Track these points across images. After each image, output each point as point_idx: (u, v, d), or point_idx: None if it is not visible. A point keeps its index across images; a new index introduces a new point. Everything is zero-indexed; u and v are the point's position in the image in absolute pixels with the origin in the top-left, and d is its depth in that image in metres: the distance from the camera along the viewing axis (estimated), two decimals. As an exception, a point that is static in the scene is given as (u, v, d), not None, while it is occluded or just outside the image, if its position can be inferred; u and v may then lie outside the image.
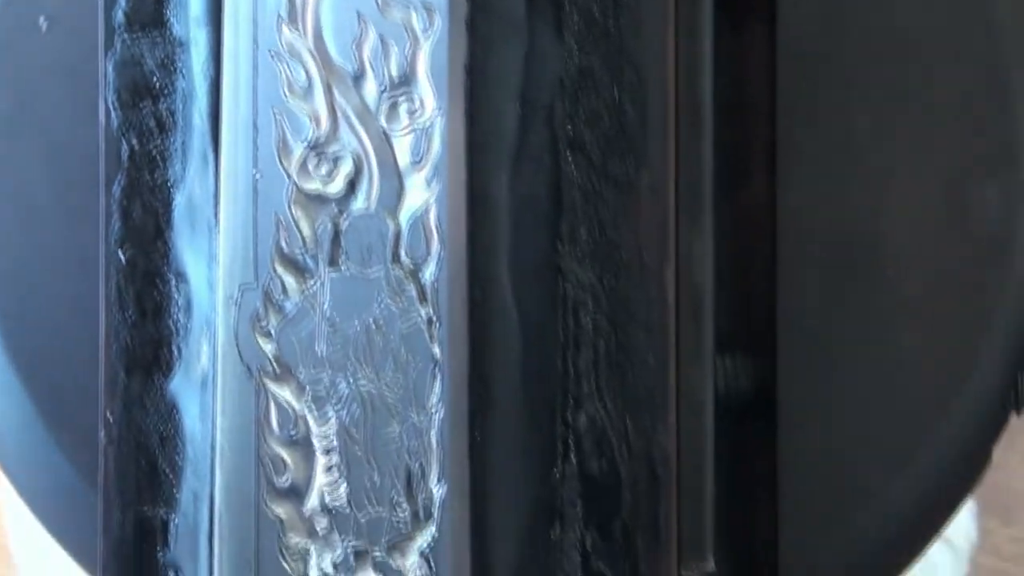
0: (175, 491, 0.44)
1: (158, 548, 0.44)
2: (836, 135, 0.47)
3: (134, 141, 0.45)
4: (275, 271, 0.41)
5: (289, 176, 0.42)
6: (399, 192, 0.41)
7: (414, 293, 0.41)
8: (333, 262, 0.41)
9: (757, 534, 0.47)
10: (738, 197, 0.47)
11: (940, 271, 0.47)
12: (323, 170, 0.42)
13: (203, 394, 0.43)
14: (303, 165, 0.42)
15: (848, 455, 0.47)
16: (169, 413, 0.44)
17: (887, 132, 0.46)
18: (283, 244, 0.42)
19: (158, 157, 0.45)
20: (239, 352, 0.42)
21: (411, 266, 0.41)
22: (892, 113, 0.46)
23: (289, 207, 0.42)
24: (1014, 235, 0.46)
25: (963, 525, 0.58)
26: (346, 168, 0.42)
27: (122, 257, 0.44)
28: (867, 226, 0.47)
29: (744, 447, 0.47)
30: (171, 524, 0.44)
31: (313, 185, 0.42)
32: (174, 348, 0.45)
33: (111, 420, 0.44)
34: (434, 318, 0.40)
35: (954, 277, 0.46)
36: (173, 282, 0.45)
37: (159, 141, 0.45)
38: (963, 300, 0.46)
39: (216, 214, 0.43)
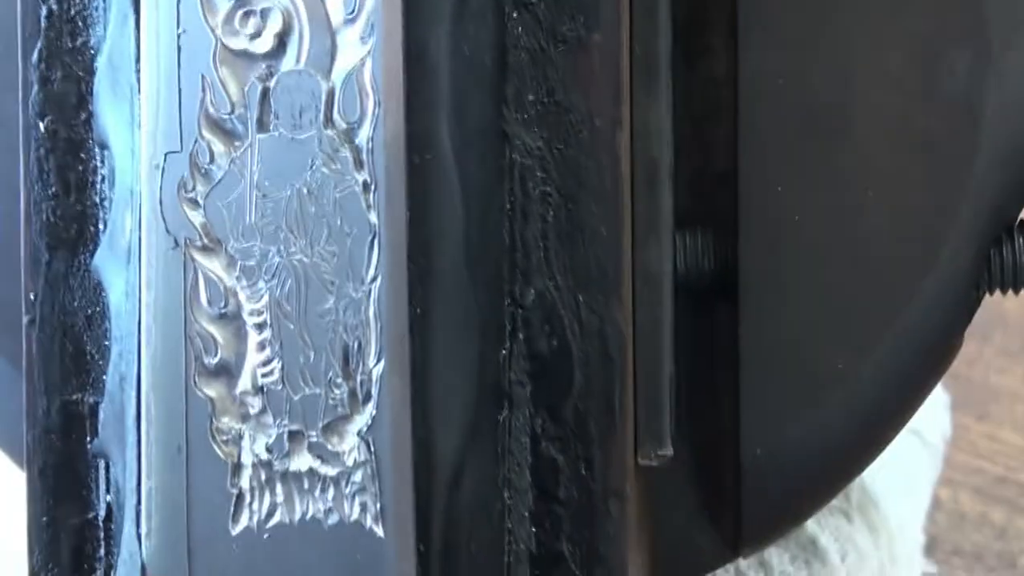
0: (102, 375, 0.42)
1: (87, 436, 0.42)
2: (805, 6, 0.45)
3: (53, 3, 0.42)
4: (201, 135, 0.39)
5: (214, 33, 0.40)
6: (332, 49, 0.39)
7: (349, 156, 0.39)
8: (262, 125, 0.39)
9: (718, 420, 0.45)
10: (699, 67, 0.45)
11: (909, 142, 0.45)
12: (250, 26, 0.40)
13: (128, 268, 0.41)
14: (229, 21, 0.39)
15: (813, 337, 0.45)
16: (95, 292, 0.42)
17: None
18: (209, 106, 0.40)
19: (79, 19, 0.42)
20: (164, 222, 0.40)
21: (345, 127, 0.39)
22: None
23: (215, 66, 0.40)
24: (983, 103, 0.44)
25: (938, 421, 0.56)
26: (275, 24, 0.40)
27: (42, 128, 0.42)
28: (834, 93, 0.45)
29: (705, 329, 0.45)
30: (99, 410, 0.42)
31: (240, 42, 0.40)
32: (99, 222, 0.43)
33: (34, 301, 0.42)
34: (370, 183, 0.38)
35: (923, 148, 0.44)
36: (97, 153, 0.43)
37: (80, 2, 0.42)
38: (932, 172, 0.44)
39: (138, 76, 0.40)
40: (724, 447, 0.46)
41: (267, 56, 0.39)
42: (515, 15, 0.41)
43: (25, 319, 0.43)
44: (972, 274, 0.46)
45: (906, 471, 0.60)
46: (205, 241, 0.39)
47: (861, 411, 0.46)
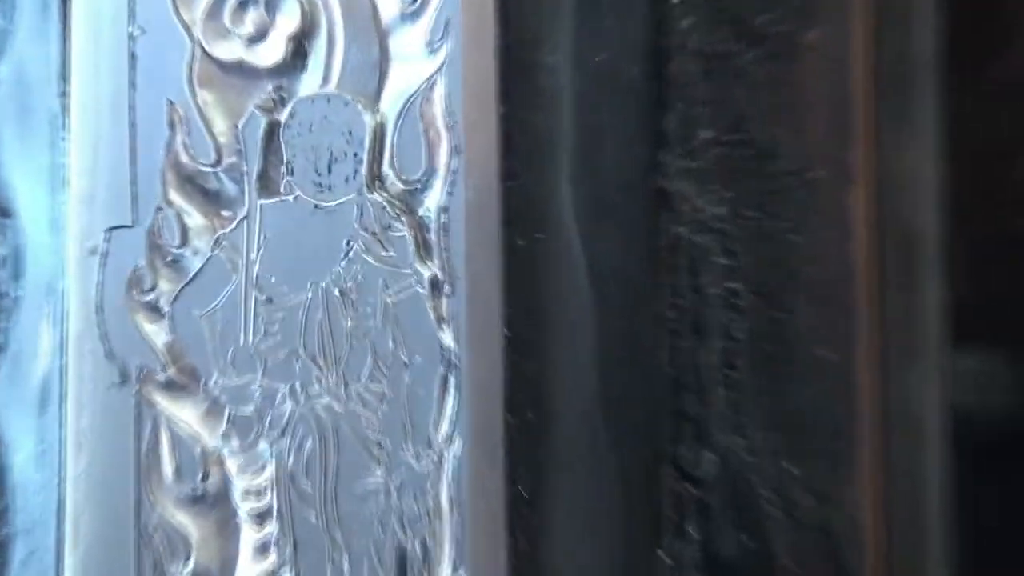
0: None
1: None
2: None
3: None
4: (168, 199, 0.39)
5: (192, 33, 0.41)
6: (381, 60, 0.40)
7: (408, 236, 0.39)
8: (268, 183, 0.40)
9: None
10: (987, 71, 0.46)
11: None
12: (251, 23, 0.40)
13: (43, 416, 0.42)
14: (216, 14, 0.40)
15: None
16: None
17: None
18: (182, 152, 0.40)
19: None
20: (106, 342, 0.40)
21: (401, 189, 0.39)
22: None
23: (191, 86, 0.40)
24: None
25: None
26: (290, 19, 0.40)
27: None
28: None
29: (998, 498, 0.45)
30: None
31: (233, 49, 0.40)
32: (-8, 336, 0.43)
33: None
34: (443, 279, 0.38)
35: None
36: None
37: None
38: None
39: (64, 102, 0.41)
40: None
41: (277, 71, 0.40)
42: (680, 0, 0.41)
43: None
44: None
45: None
46: (173, 374, 0.40)
47: None
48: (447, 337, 0.36)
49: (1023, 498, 0.45)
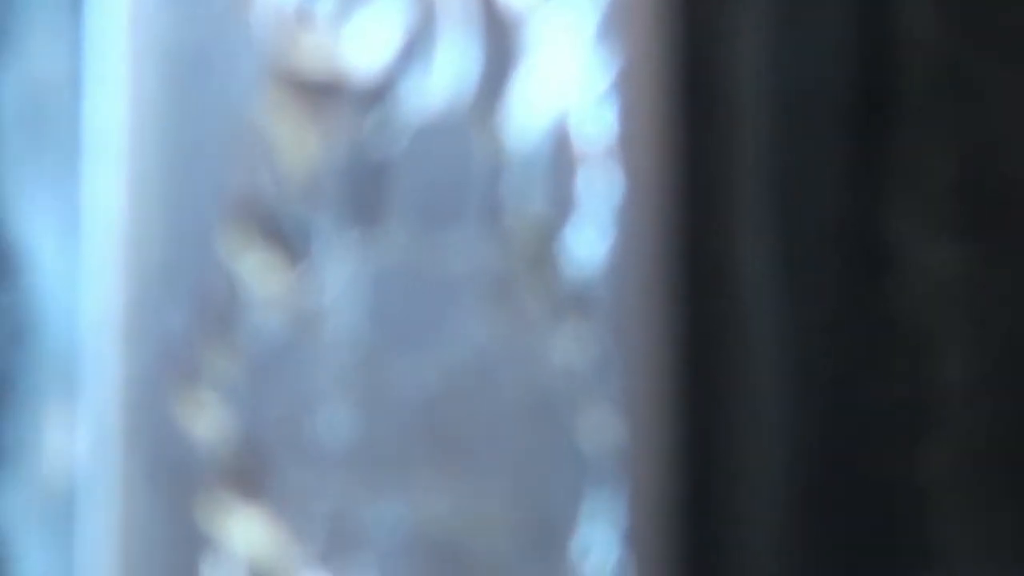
0: None
1: None
2: None
3: None
4: (232, 244, 0.41)
5: (262, 37, 0.42)
6: (509, 62, 0.41)
7: (546, 294, 0.40)
8: (365, 224, 0.41)
9: None
10: None
11: None
12: (334, 18, 0.42)
13: (55, 533, 0.43)
14: (299, 19, 0.41)
15: None
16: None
17: None
18: (245, 187, 0.41)
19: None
20: (147, 434, 0.41)
21: (536, 236, 0.40)
22: None
23: (262, 104, 0.41)
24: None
25: None
26: (393, 16, 0.41)
27: None
28: None
29: None
30: None
31: (311, 56, 0.42)
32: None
33: None
34: (592, 357, 0.40)
35: None
36: None
37: None
38: None
39: (85, 120, 0.42)
40: None
41: (375, 85, 0.41)
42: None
43: None
44: None
45: None
46: (238, 477, 0.41)
47: None
48: (595, 431, 0.37)
49: None
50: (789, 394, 0.38)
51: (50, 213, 0.39)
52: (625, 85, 0.38)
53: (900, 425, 0.39)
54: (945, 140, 0.40)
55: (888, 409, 0.39)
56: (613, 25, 0.37)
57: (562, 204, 0.38)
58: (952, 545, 0.41)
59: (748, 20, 0.39)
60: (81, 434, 0.38)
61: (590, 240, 0.37)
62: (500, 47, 0.38)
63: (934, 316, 0.39)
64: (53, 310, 0.39)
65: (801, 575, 0.39)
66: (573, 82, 0.37)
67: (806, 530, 0.38)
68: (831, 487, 0.39)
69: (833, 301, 0.39)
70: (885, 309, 0.39)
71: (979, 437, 0.39)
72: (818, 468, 0.39)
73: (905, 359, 0.39)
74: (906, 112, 0.40)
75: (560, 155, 0.38)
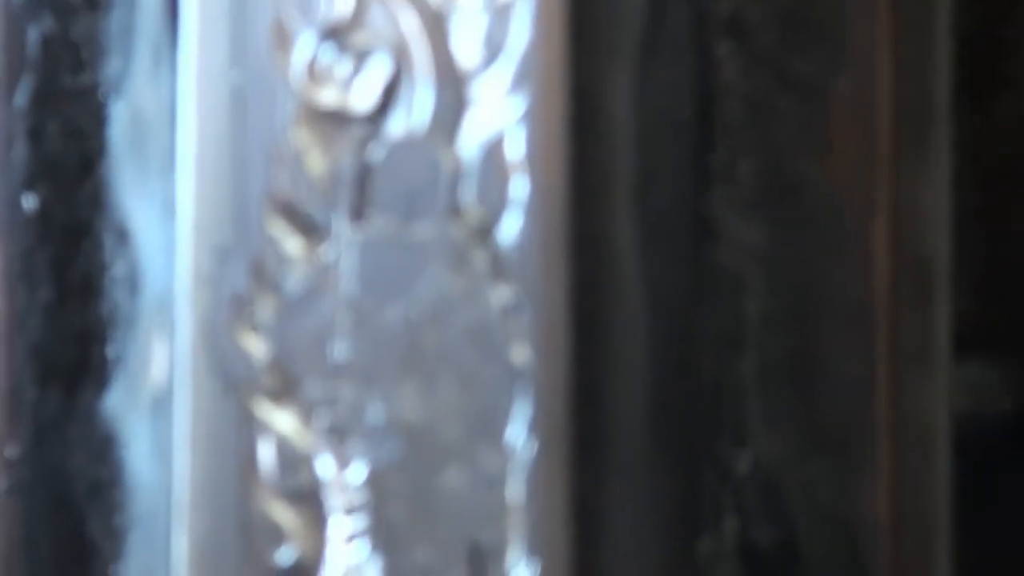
0: (115, 568, 0.42)
1: None
2: None
3: (48, 21, 0.42)
4: (269, 229, 0.39)
5: (290, 82, 0.40)
6: (461, 106, 0.39)
7: (484, 263, 0.39)
8: (360, 215, 0.39)
9: None
10: (992, 109, 0.45)
11: None
12: (343, 73, 0.39)
13: (156, 421, 0.41)
14: (312, 65, 0.39)
15: None
16: (104, 448, 0.42)
17: None
18: (282, 188, 0.39)
19: (85, 47, 0.42)
20: (213, 355, 0.39)
21: (480, 220, 0.39)
22: None
23: (291, 131, 0.39)
24: None
25: None
26: (379, 70, 0.39)
27: (31, 204, 0.42)
28: None
29: (1000, 502, 0.44)
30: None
31: (329, 96, 0.39)
32: (111, 348, 0.43)
33: (16, 457, 0.42)
34: (516, 302, 0.38)
35: None
36: (109, 243, 0.43)
37: (87, 21, 0.42)
38: None
39: (175, 138, 0.40)
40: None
41: (368, 117, 0.39)
42: (726, 48, 0.40)
43: (1, 485, 0.42)
44: None
45: None
46: (272, 384, 0.39)
47: None
48: (519, 353, 0.37)
49: (1014, 492, 0.44)
50: (648, 325, 0.37)
51: (150, 204, 0.37)
52: (532, 117, 0.38)
53: (722, 345, 0.37)
54: (752, 152, 0.40)
55: (715, 334, 0.37)
56: (525, 77, 0.38)
57: (498, 200, 0.38)
58: (759, 430, 0.40)
59: (619, 72, 0.39)
60: (174, 355, 0.35)
61: (514, 225, 0.35)
62: (455, 92, 0.39)
63: (744, 270, 0.38)
64: (154, 271, 0.37)
65: (655, 445, 0.36)
66: (500, 115, 0.34)
67: (659, 415, 0.36)
68: (677, 385, 0.38)
69: (677, 262, 0.37)
70: (711, 266, 0.37)
71: (775, 353, 0.36)
72: (669, 373, 0.40)
73: (725, 300, 0.37)
74: (726, 134, 0.40)
75: (496, 166, 0.38)
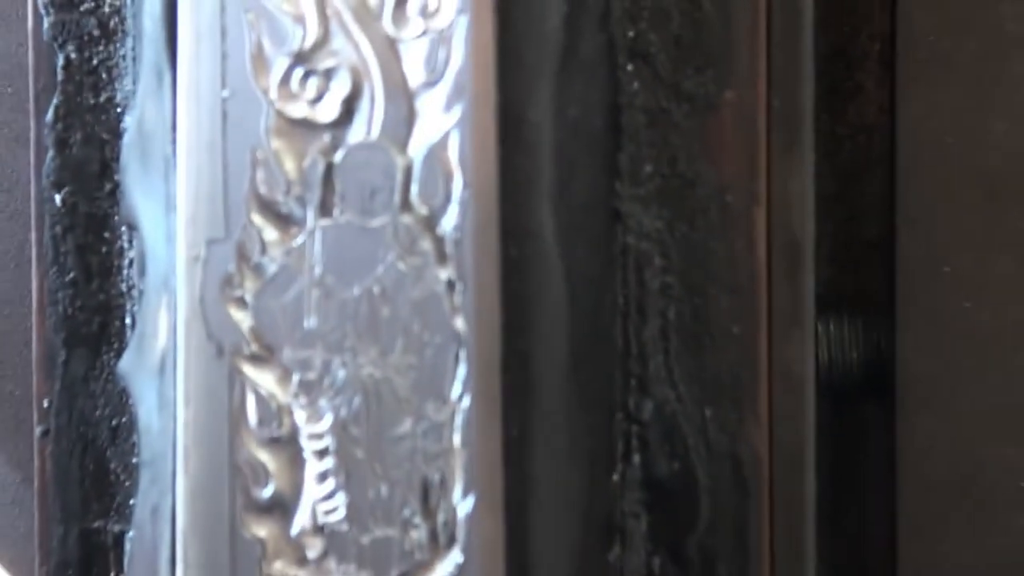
0: (129, 499, 0.41)
1: (110, 572, 0.41)
2: (974, 33, 0.43)
3: (71, 50, 0.41)
4: (251, 220, 0.38)
5: (267, 97, 0.38)
6: (409, 117, 0.37)
7: (430, 248, 0.37)
8: (325, 209, 0.38)
9: (871, 549, 0.44)
10: (846, 112, 0.44)
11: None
12: (311, 89, 0.38)
13: (161, 379, 0.39)
14: (285, 83, 0.38)
15: (990, 445, 0.43)
16: (120, 399, 0.41)
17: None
18: (261, 186, 0.38)
19: (102, 70, 0.41)
20: (206, 325, 0.38)
21: (426, 213, 0.37)
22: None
23: (268, 138, 0.38)
24: None
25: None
26: (341, 86, 0.38)
27: (59, 201, 0.41)
28: (1018, 150, 0.43)
29: (854, 436, 0.43)
30: (124, 541, 0.41)
31: (299, 109, 0.38)
32: (126, 316, 0.41)
33: (48, 408, 0.41)
34: (456, 280, 0.36)
35: None
36: (124, 232, 0.41)
37: (103, 49, 0.41)
38: None
39: (174, 148, 0.39)
40: (877, 574, 0.44)
41: (331, 126, 0.37)
42: (630, 68, 0.39)
43: (38, 430, 0.41)
44: None
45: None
46: (255, 349, 0.37)
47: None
48: (459, 323, 0.33)
49: (866, 430, 0.42)
50: (567, 298, 0.36)
51: (154, 200, 0.35)
52: (467, 127, 0.35)
53: (629, 313, 0.35)
54: (653, 154, 0.38)
55: (623, 305, 0.35)
56: (460, 93, 0.35)
57: (441, 196, 0.37)
58: (660, 383, 0.39)
59: (540, 88, 0.37)
60: (175, 325, 0.33)
61: (454, 217, 0.32)
62: (404, 105, 0.37)
63: (646, 251, 0.36)
64: (158, 256, 0.35)
65: (573, 397, 0.35)
66: (441, 125, 0.32)
67: (577, 372, 0.34)
68: (592, 347, 0.36)
69: (591, 245, 0.36)
70: (619, 249, 0.36)
71: (673, 319, 0.35)
72: (584, 338, 0.38)
73: (631, 276, 0.35)
74: (631, 139, 0.38)
75: (439, 168, 0.37)
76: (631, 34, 0.37)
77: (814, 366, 0.40)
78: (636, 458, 0.37)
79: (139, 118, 0.38)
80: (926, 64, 0.42)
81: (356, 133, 0.36)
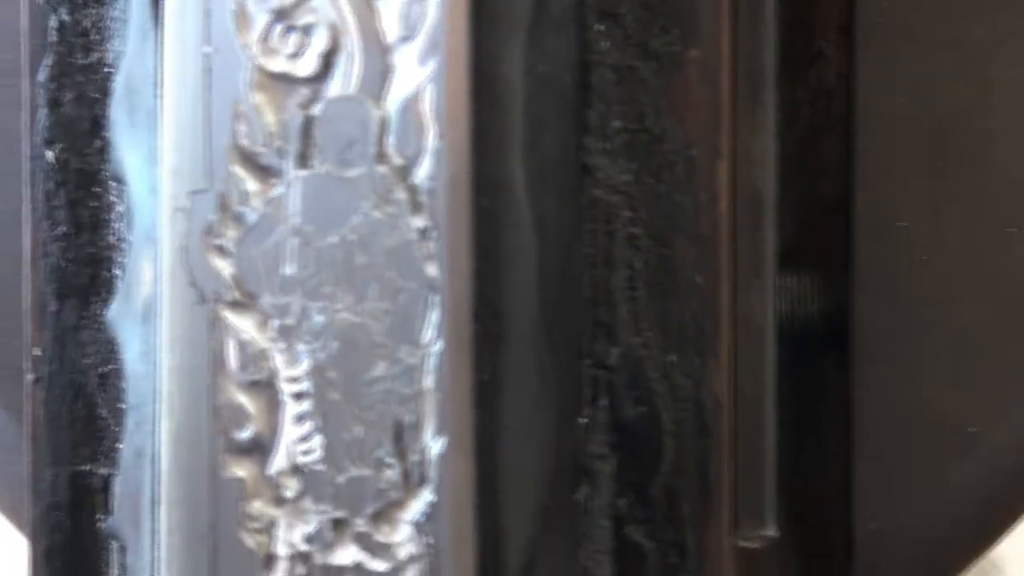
0: (116, 443, 0.39)
1: (97, 514, 0.40)
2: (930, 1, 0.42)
3: (64, 12, 0.40)
4: (232, 172, 0.36)
5: (248, 52, 0.37)
6: (385, 71, 0.36)
7: (404, 198, 0.36)
8: (304, 160, 0.36)
9: (828, 491, 0.42)
10: (807, 77, 0.42)
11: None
12: (291, 45, 0.36)
13: (146, 326, 0.38)
14: (266, 39, 0.36)
15: (939, 395, 0.42)
16: (109, 347, 0.39)
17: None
18: (242, 138, 0.36)
19: (93, 32, 0.39)
20: (189, 273, 0.36)
21: (400, 164, 0.35)
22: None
23: (249, 92, 0.36)
24: None
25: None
26: (320, 42, 0.36)
27: (51, 157, 0.40)
28: (969, 111, 0.41)
29: (813, 385, 0.42)
30: (112, 483, 0.39)
31: (279, 64, 0.36)
32: (114, 267, 0.40)
33: (40, 357, 0.40)
34: (429, 229, 0.35)
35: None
36: (112, 187, 0.40)
37: (94, 11, 0.40)
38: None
39: (159, 102, 0.38)
40: (834, 520, 0.43)
41: (310, 80, 0.36)
42: (600, 27, 0.37)
43: (29, 377, 0.39)
44: None
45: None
46: (236, 296, 0.36)
47: (994, 482, 0.42)
48: (431, 270, 0.32)
49: (825, 378, 0.41)
50: (537, 248, 0.36)
51: (139, 154, 0.34)
52: (441, 81, 0.34)
53: (597, 263, 0.34)
54: (621, 110, 0.37)
55: (591, 254, 0.34)
56: (435, 48, 0.33)
57: (415, 148, 0.35)
58: (627, 330, 0.38)
59: (512, 44, 0.36)
60: (159, 273, 0.32)
61: (428, 168, 0.31)
62: (380, 60, 0.35)
63: (614, 203, 0.35)
64: (143, 207, 0.34)
65: (542, 343, 0.33)
66: (416, 79, 0.30)
67: (546, 319, 0.34)
68: (560, 295, 0.35)
69: (560, 197, 0.34)
70: (588, 201, 0.35)
71: (639, 269, 0.34)
72: (553, 285, 0.37)
73: (599, 227, 0.34)
74: (600, 95, 0.37)
75: (413, 120, 0.35)
76: (600, -6, 0.36)
77: (775, 316, 0.38)
78: (603, 402, 0.35)
79: (126, 75, 0.36)
80: (883, 28, 0.41)
81: (334, 87, 0.35)
